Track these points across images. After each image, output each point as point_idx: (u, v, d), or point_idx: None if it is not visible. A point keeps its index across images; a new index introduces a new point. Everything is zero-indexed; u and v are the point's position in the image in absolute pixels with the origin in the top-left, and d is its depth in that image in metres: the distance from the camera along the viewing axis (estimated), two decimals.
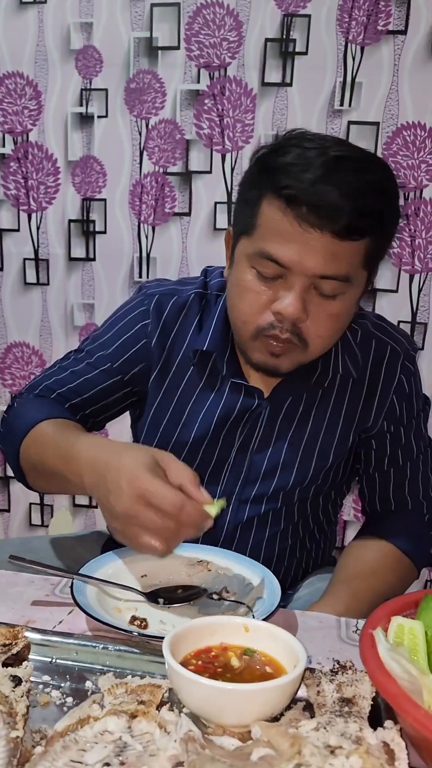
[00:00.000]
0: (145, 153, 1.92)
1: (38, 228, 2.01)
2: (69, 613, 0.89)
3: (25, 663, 0.73)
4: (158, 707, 0.67)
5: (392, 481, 1.17)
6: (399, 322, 1.88)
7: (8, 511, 2.23)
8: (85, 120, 1.93)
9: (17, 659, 0.75)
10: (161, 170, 1.92)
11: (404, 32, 1.75)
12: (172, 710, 0.66)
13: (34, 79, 1.92)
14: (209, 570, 1.00)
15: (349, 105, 1.81)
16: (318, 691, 0.70)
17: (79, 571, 0.93)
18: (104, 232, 1.98)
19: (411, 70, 1.77)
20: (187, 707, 0.67)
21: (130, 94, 1.89)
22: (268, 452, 1.13)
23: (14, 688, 0.68)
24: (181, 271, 1.96)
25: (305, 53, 1.80)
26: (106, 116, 1.91)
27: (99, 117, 1.92)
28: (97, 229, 1.98)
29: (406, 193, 1.83)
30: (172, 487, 0.82)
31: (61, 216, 1.99)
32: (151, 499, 0.81)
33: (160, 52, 1.86)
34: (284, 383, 1.10)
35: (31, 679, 0.71)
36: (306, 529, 1.21)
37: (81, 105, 1.92)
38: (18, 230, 2.02)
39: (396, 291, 1.88)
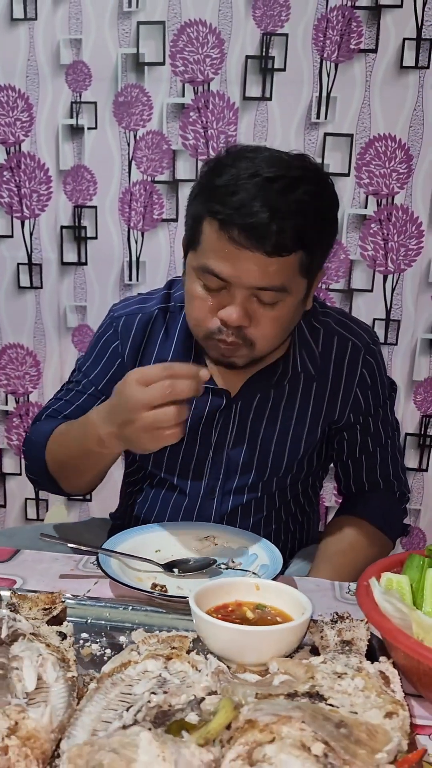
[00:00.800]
0: (133, 162, 2.02)
1: (31, 234, 2.09)
2: (95, 583, 1.00)
3: (64, 623, 0.84)
4: (187, 653, 0.78)
5: (364, 466, 1.28)
6: (374, 319, 2.01)
7: (4, 506, 2.31)
8: (75, 131, 2.02)
9: (56, 621, 0.85)
10: (149, 179, 2.03)
11: (375, 51, 1.89)
12: (199, 655, 0.78)
13: (25, 92, 2.00)
14: (216, 544, 1.11)
15: (325, 118, 1.94)
16: (321, 636, 0.82)
17: (98, 553, 1.03)
18: (95, 238, 2.08)
19: (381, 86, 1.90)
20: (213, 651, 0.78)
21: (118, 107, 1.99)
22: (243, 448, 1.22)
23: (62, 641, 0.79)
24: (169, 273, 2.06)
25: (283, 70, 1.92)
26: (95, 128, 2.01)
27: (89, 128, 2.01)
28: (88, 235, 2.08)
29: (379, 200, 1.97)
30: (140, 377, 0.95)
31: (53, 222, 2.08)
32: (144, 376, 0.94)
33: (146, 67, 1.96)
34: (249, 383, 1.20)
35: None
36: (288, 514, 1.31)
37: (71, 117, 2.01)
38: (12, 236, 2.11)
39: (371, 291, 2.01)
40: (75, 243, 2.09)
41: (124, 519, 1.38)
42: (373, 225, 1.97)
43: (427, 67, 1.88)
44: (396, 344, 2.03)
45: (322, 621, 0.85)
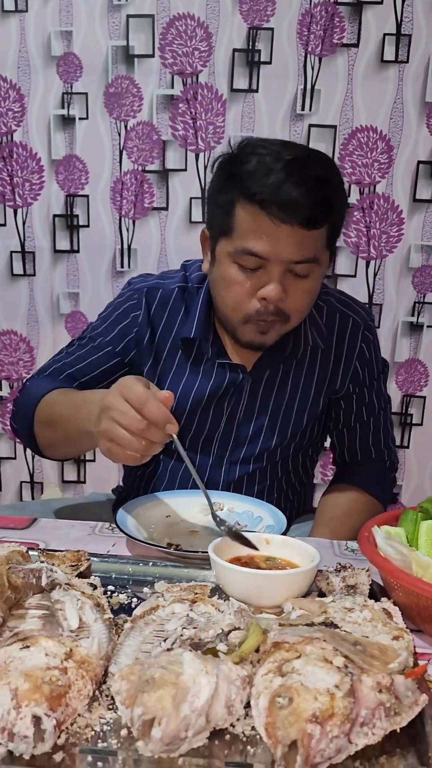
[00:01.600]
0: (124, 152, 2.08)
1: (24, 222, 2.14)
2: (113, 545, 1.07)
3: (91, 577, 0.91)
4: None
5: (358, 435, 1.37)
6: None
7: None
8: (67, 121, 2.07)
9: (82, 577, 0.92)
10: (140, 168, 2.09)
11: (356, 45, 1.97)
12: (220, 599, 0.85)
13: (17, 83, 2.05)
14: (222, 509, 1.19)
15: (310, 110, 2.02)
16: (327, 583, 0.91)
17: (117, 515, 1.11)
18: (87, 226, 2.13)
19: (363, 79, 1.99)
20: (232, 596, 0.86)
21: (109, 98, 2.05)
22: (252, 419, 1.31)
23: (93, 591, 0.86)
24: (160, 261, 2.13)
25: (269, 63, 2.00)
26: (86, 118, 2.06)
27: (80, 119, 2.06)
28: (80, 223, 2.13)
29: (361, 189, 2.05)
30: (145, 389, 0.94)
31: (46, 211, 2.13)
32: (124, 392, 0.94)
33: (136, 59, 2.02)
34: (263, 358, 1.28)
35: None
36: (288, 484, 1.40)
37: (63, 108, 2.06)
38: (5, 225, 2.15)
39: (354, 276, 2.10)
40: (67, 231, 2.14)
41: (131, 492, 1.44)
42: (356, 213, 2.06)
43: (407, 62, 1.97)
44: (378, 327, 2.12)
45: (327, 570, 0.94)
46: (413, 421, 2.22)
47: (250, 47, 1.99)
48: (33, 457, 2.32)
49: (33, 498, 2.35)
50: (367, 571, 0.92)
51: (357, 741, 0.60)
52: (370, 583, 0.90)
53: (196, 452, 1.33)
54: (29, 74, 2.04)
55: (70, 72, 2.03)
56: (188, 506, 1.19)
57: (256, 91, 2.02)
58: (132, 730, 0.60)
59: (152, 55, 2.01)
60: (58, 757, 0.59)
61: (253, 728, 0.64)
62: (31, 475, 2.32)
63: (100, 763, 0.59)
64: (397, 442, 2.21)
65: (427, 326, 2.13)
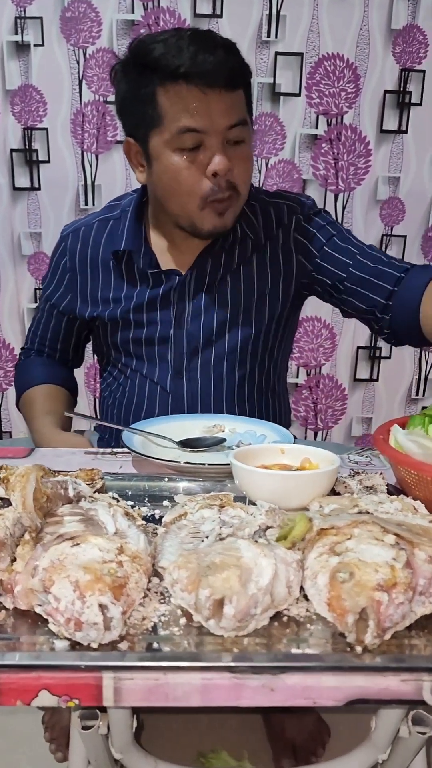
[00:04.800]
0: (84, 82, 1.98)
1: None
2: (120, 467, 1.06)
3: (110, 493, 0.90)
4: None
5: (364, 277, 1.23)
6: None
7: None
8: (21, 48, 1.96)
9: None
10: (101, 99, 2.00)
11: None
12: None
13: None
14: (223, 431, 1.18)
15: (276, 36, 1.97)
16: (345, 486, 0.92)
17: (123, 436, 1.09)
18: (48, 161, 2.04)
19: (328, 5, 1.95)
20: (259, 500, 0.86)
21: (65, 23, 1.94)
22: (200, 323, 1.29)
23: (118, 503, 0.84)
24: None
25: None
26: (42, 45, 1.95)
27: (35, 45, 1.95)
28: (40, 159, 2.04)
29: (329, 119, 2.03)
30: None
31: (2, 146, 2.02)
32: None
33: None
34: (199, 258, 1.27)
35: None
36: (260, 393, 1.36)
37: (16, 33, 1.94)
38: None
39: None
40: (26, 167, 2.04)
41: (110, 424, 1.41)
42: (324, 145, 2.04)
43: None
44: None
45: (343, 476, 0.95)
46: (381, 355, 2.26)
47: None
48: None
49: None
50: (381, 474, 0.94)
51: (416, 609, 0.62)
52: (386, 485, 0.92)
53: (155, 365, 1.31)
54: None
55: None
56: (189, 429, 1.18)
57: (221, 16, 1.95)
58: (198, 612, 0.60)
59: None
60: (123, 645, 0.58)
61: (307, 610, 0.65)
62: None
63: (167, 648, 0.59)
64: (366, 376, 2.26)
65: None
